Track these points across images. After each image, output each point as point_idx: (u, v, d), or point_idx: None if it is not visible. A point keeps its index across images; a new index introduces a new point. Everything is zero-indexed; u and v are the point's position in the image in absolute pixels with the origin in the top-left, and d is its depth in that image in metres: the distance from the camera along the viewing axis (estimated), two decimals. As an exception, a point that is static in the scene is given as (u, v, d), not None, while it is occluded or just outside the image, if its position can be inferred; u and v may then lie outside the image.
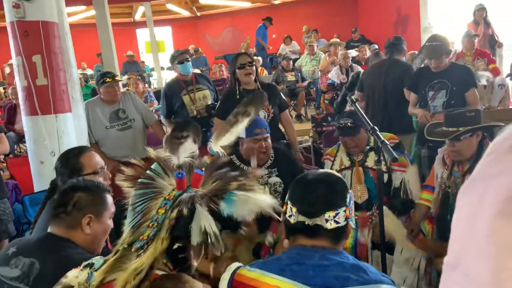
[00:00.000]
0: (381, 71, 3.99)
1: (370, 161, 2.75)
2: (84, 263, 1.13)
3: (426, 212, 2.69)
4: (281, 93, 3.57)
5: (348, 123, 2.72)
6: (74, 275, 1.10)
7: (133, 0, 12.43)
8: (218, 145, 1.16)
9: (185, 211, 0.99)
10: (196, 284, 1.05)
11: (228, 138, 1.20)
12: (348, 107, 2.68)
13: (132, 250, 1.00)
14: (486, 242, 0.50)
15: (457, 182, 2.49)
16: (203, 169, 1.08)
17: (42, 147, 3.00)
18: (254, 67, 3.29)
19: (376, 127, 1.92)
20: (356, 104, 2.02)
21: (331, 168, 2.80)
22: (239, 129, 1.26)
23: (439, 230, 2.58)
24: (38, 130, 2.99)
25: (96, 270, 1.08)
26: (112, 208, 1.60)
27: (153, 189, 1.08)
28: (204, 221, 1.00)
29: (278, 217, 1.10)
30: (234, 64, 3.30)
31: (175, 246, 1.03)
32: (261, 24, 10.95)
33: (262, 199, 1.05)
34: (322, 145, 4.66)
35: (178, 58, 3.92)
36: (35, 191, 3.16)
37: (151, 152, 1.16)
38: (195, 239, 1.00)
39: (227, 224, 2.58)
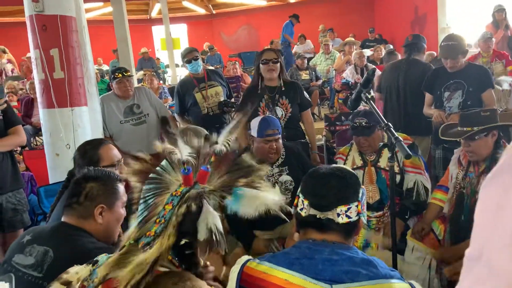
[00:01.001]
0: (399, 71, 3.93)
1: (383, 161, 2.73)
2: (89, 261, 1.14)
3: (439, 212, 2.67)
4: (304, 92, 3.54)
5: (363, 123, 2.70)
6: (75, 271, 1.10)
7: (149, -3, 12.53)
8: (223, 142, 1.11)
9: (193, 206, 0.98)
10: (199, 283, 1.04)
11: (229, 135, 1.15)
12: (362, 107, 2.66)
13: (139, 246, 0.99)
14: None
15: (472, 182, 2.46)
16: (208, 166, 1.06)
17: (58, 140, 3.05)
18: (278, 64, 3.26)
19: (390, 124, 1.91)
20: (371, 101, 2.00)
21: (343, 167, 2.78)
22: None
23: (452, 230, 2.55)
24: (54, 123, 3.03)
25: (99, 267, 1.07)
26: (124, 197, 1.61)
27: (161, 184, 1.06)
28: (210, 218, 0.98)
29: (285, 217, 1.09)
30: (259, 58, 3.29)
31: (182, 242, 1.03)
32: (288, 21, 10.86)
33: (269, 197, 1.03)
34: (335, 144, 4.63)
35: (186, 57, 3.92)
36: (50, 183, 3.21)
37: (159, 145, 1.13)
38: (202, 235, 0.99)
39: (240, 232, 2.59)
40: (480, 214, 0.56)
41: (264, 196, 1.03)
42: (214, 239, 0.98)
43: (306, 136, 3.48)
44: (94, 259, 1.11)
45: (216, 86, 3.96)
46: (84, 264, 1.11)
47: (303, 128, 3.52)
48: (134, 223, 1.04)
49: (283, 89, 3.29)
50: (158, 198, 1.04)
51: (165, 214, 1.00)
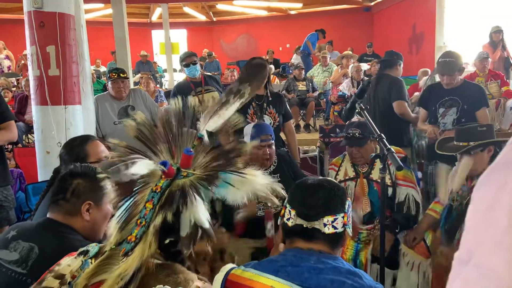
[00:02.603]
0: (371, 86, 4.00)
1: (375, 173, 2.73)
2: (80, 250, 1.11)
3: (433, 223, 2.69)
4: (287, 104, 3.60)
5: (356, 134, 2.71)
6: (67, 263, 1.08)
7: (150, 1, 12.57)
8: (205, 128, 1.07)
9: (169, 216, 0.96)
10: (190, 276, 1.04)
11: (216, 122, 1.08)
12: (357, 118, 2.68)
13: (121, 252, 0.97)
14: (504, 232, 0.48)
15: (463, 196, 2.48)
16: (191, 149, 1.03)
17: (49, 137, 3.02)
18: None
19: (383, 135, 1.91)
20: (365, 111, 2.00)
21: (335, 178, 2.79)
22: (229, 112, 1.10)
23: (434, 240, 2.62)
24: (46, 120, 3.01)
25: (90, 258, 1.06)
26: (112, 193, 1.59)
27: (141, 178, 1.02)
28: (193, 212, 0.96)
29: (276, 200, 1.06)
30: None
31: (167, 241, 1.02)
32: (314, 32, 11.12)
33: (258, 181, 1.01)
34: (328, 156, 4.64)
35: (185, 61, 3.95)
36: (40, 180, 3.17)
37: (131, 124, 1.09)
38: (184, 230, 0.98)
39: (224, 220, 2.58)
40: (471, 215, 0.55)
41: (252, 180, 1.01)
42: (200, 231, 0.97)
43: (287, 146, 3.52)
44: (85, 249, 1.09)
45: (213, 91, 3.97)
46: (75, 255, 1.09)
47: (283, 138, 3.58)
48: (114, 224, 1.01)
49: (270, 98, 3.34)
50: (139, 195, 1.01)
51: (146, 214, 0.98)
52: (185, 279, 1.02)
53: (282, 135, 3.59)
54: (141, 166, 0.99)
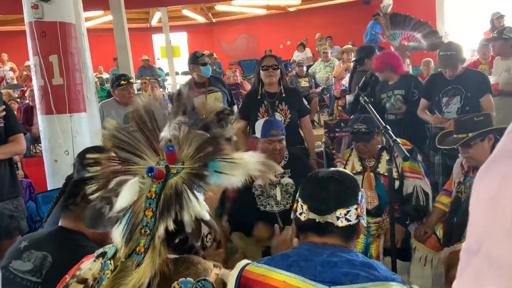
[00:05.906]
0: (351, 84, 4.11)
1: (382, 167, 2.73)
2: (97, 252, 1.11)
3: (442, 216, 2.68)
4: (303, 99, 3.58)
5: (362, 129, 2.71)
6: (88, 267, 1.08)
7: (149, 5, 12.60)
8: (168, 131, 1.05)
9: (171, 225, 0.95)
10: (207, 264, 1.05)
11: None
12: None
13: (133, 265, 0.98)
14: None
15: (471, 187, 2.46)
16: (171, 147, 1.00)
17: (57, 146, 3.05)
18: (278, 71, 3.29)
19: (388, 127, 1.91)
20: (369, 104, 2.00)
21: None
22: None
23: (445, 232, 2.60)
24: (53, 129, 3.04)
25: (109, 259, 1.06)
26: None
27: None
28: (191, 209, 0.96)
29: (272, 177, 1.05)
30: (260, 65, 3.33)
31: (177, 241, 1.02)
32: (372, 21, 10.49)
33: (248, 161, 0.99)
34: (334, 151, 4.63)
35: (202, 60, 4.02)
36: (49, 189, 3.20)
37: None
38: (188, 227, 0.98)
39: (238, 226, 2.60)
40: (476, 205, 0.54)
41: (242, 162, 0.99)
42: (203, 224, 0.99)
43: (305, 142, 3.48)
44: (102, 251, 1.09)
45: (216, 91, 3.99)
46: (93, 258, 1.09)
47: (302, 134, 3.54)
48: (120, 238, 1.00)
49: (283, 95, 3.31)
50: (136, 204, 0.99)
51: (148, 222, 0.97)
52: (204, 268, 1.03)
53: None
54: (127, 193, 0.97)
